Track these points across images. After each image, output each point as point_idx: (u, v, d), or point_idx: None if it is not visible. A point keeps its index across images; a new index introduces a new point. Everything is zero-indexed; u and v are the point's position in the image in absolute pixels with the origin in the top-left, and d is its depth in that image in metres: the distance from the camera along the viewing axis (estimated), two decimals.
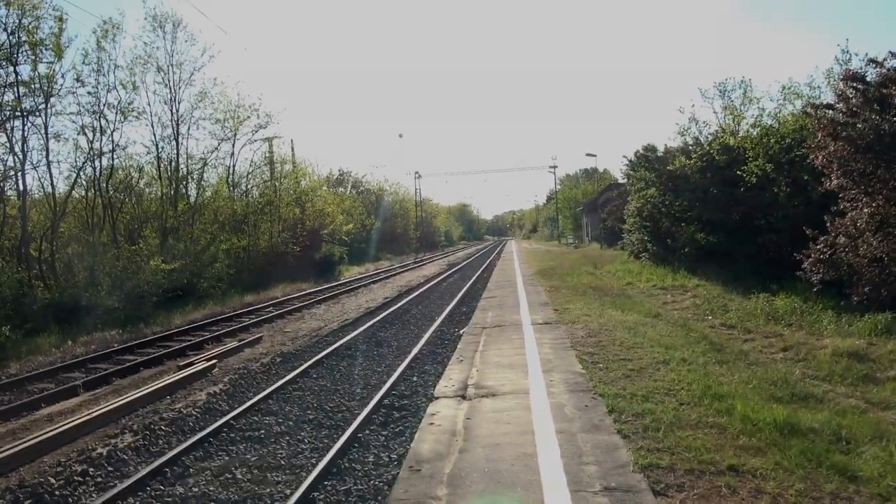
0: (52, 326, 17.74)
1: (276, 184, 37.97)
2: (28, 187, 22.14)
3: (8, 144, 21.22)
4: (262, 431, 7.25)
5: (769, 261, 18.73)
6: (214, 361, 10.81)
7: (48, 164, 22.97)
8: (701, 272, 19.72)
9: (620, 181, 53.92)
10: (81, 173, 24.70)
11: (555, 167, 77.72)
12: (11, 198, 22.38)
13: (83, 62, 22.69)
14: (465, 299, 19.37)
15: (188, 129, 29.80)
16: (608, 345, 9.34)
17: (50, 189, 23.41)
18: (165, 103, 28.54)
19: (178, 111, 28.93)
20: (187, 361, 10.89)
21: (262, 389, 9.02)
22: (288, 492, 5.50)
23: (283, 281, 30.73)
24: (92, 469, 6.26)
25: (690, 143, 24.74)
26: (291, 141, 52.37)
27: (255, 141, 35.69)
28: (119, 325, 18.18)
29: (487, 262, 41.64)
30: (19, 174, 21.79)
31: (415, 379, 9.37)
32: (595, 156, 51.02)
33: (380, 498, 5.19)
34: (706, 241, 21.32)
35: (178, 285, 24.56)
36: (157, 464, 6.13)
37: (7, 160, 21.33)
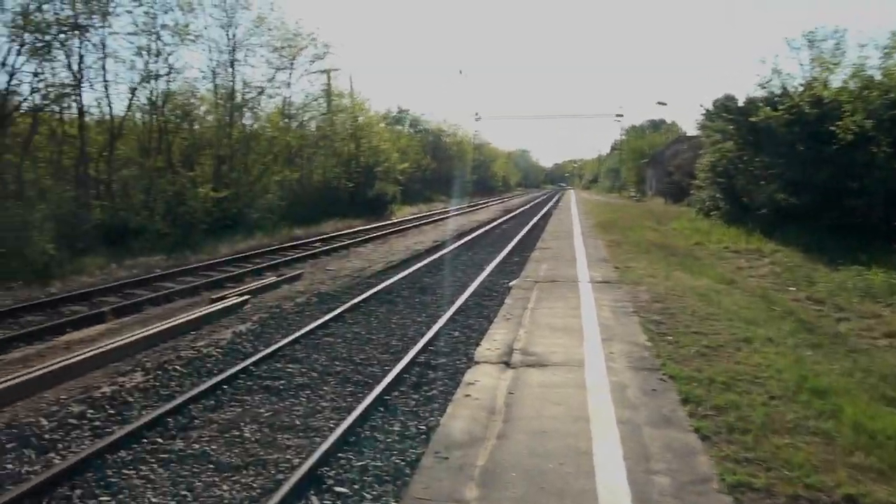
0: (100, 248, 17.69)
1: (333, 117, 37.20)
2: (85, 106, 21.91)
3: (66, 61, 20.96)
4: (283, 381, 6.54)
5: (859, 228, 16.91)
6: (247, 297, 10.21)
7: (105, 84, 22.72)
8: (779, 236, 18.02)
9: (689, 135, 50.93)
10: (137, 95, 24.41)
11: (621, 115, 74.46)
12: (70, 115, 22.32)
13: None
14: (518, 249, 18.31)
15: (245, 55, 29.06)
16: (677, 313, 8.21)
17: (107, 109, 23.27)
18: (222, 27, 27.80)
19: (234, 36, 28.17)
20: (220, 295, 10.33)
21: (291, 333, 8.32)
22: (297, 461, 4.75)
23: (334, 216, 30.28)
24: (91, 411, 5.68)
25: (777, 94, 22.46)
26: (350, 76, 51.32)
27: (312, 73, 34.78)
28: (166, 250, 17.98)
29: (544, 210, 40.20)
30: (77, 92, 21.58)
31: (456, 334, 8.49)
32: (666, 104, 48.18)
33: (399, 483, 4.36)
34: (787, 203, 19.49)
35: (227, 214, 24.37)
36: (159, 411, 5.49)
37: (65, 77, 21.06)
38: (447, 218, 33.09)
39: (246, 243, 20.65)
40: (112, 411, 5.74)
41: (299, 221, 27.45)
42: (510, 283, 11.80)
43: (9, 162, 18.31)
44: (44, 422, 5.37)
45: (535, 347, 6.69)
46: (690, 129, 56.29)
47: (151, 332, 7.84)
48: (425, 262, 15.11)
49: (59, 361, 6.43)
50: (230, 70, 28.40)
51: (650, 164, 56.92)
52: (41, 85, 19.85)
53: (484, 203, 53.49)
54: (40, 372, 6.12)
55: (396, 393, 6.23)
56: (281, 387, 6.40)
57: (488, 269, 13.92)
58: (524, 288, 10.29)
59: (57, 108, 21.51)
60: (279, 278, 12.66)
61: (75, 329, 8.91)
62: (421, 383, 6.52)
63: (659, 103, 51.21)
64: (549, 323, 7.75)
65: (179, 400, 5.80)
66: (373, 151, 39.20)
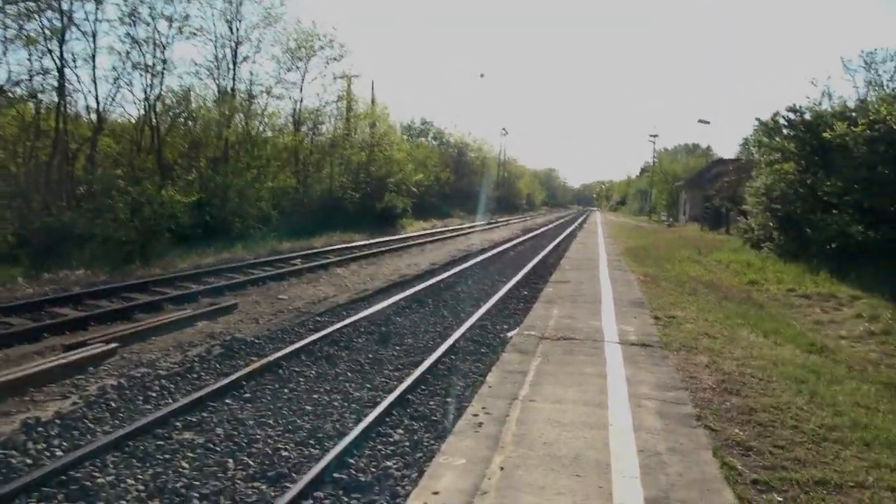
0: (28, 256, 14.89)
1: (351, 124, 34.43)
2: (70, 99, 19.56)
3: (45, 46, 18.53)
4: None
5: None
6: (115, 346, 7.02)
7: (93, 75, 20.23)
8: (854, 278, 14.44)
9: (726, 158, 47.07)
10: (126, 89, 22.18)
11: (655, 135, 70.78)
12: (46, 105, 19.79)
13: None
14: (529, 279, 14.98)
15: (251, 51, 26.46)
16: (771, 424, 4.81)
17: (94, 103, 20.71)
18: (226, 20, 25.16)
19: (238, 30, 25.49)
20: (78, 341, 7.16)
21: (115, 432, 5.04)
22: None
23: (336, 229, 27.29)
24: None
25: (851, 108, 18.94)
26: (372, 82, 48.45)
27: (327, 75, 32.17)
28: (114, 263, 15.02)
29: (567, 231, 36.71)
30: (59, 81, 19.08)
31: (382, 453, 5.13)
32: (708, 122, 44.39)
33: None
34: (864, 237, 15.88)
35: (204, 223, 21.47)
36: None
37: (48, 65, 18.71)
38: (459, 235, 29.85)
39: (216, 257, 17.64)
40: None
41: (295, 233, 24.48)
42: (509, 334, 8.50)
43: None
44: None
45: None
46: (727, 154, 52.43)
47: None
48: (408, 292, 11.87)
49: None
50: (231, 67, 25.80)
51: (685, 187, 53.13)
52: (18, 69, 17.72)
53: (504, 221, 50.12)
54: None
55: None
56: None
57: (485, 307, 10.60)
58: (522, 351, 6.93)
59: (32, 96, 19.13)
60: (202, 310, 9.50)
61: None
62: None
63: (700, 121, 47.46)
64: (550, 441, 4.39)
65: None
66: (386, 161, 36.29)
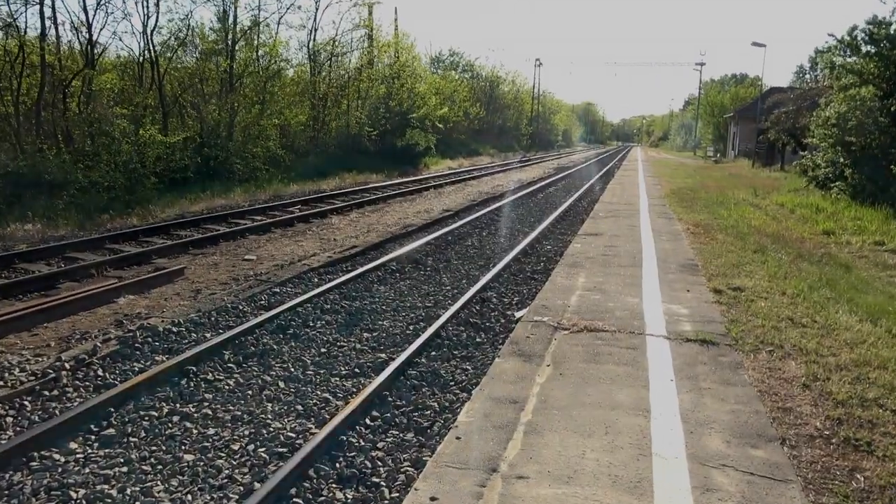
0: None
1: (372, 54, 31.78)
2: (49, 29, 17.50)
3: None
4: None
5: None
6: None
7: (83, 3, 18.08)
8: None
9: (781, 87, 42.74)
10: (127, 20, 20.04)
11: (702, 63, 65.71)
12: (30, 38, 17.78)
13: None
14: (556, 229, 12.70)
15: None
16: None
17: (86, 35, 18.63)
18: None
19: None
20: None
21: None
22: None
23: (354, 169, 25.21)
24: None
25: None
26: (395, 9, 45.27)
27: (343, 2, 29.42)
28: (88, 212, 13.31)
29: (604, 169, 33.85)
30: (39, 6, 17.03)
31: None
32: (764, 45, 39.53)
33: None
34: None
35: (199, 164, 19.56)
36: None
37: None
38: (485, 175, 27.43)
39: (208, 203, 15.78)
40: None
41: (308, 175, 22.49)
42: (516, 315, 6.37)
43: None
44: None
45: None
46: (780, 83, 47.74)
47: None
48: (406, 248, 9.76)
49: None
50: None
51: (735, 120, 49.06)
52: None
53: (538, 158, 47.19)
54: None
55: None
56: None
57: (493, 269, 8.44)
58: (525, 354, 4.76)
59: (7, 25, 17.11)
60: (137, 279, 7.56)
61: None
62: None
63: (755, 44, 42.54)
64: None
65: None
66: (408, 95, 33.58)
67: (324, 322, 6.36)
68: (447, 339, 5.88)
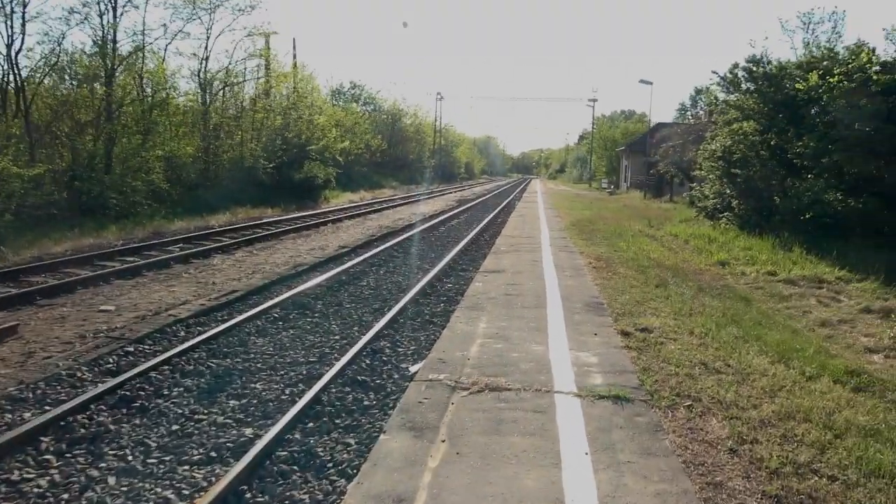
0: None
1: (268, 85, 30.57)
2: None
3: None
4: None
5: None
6: None
7: None
8: (836, 255, 12.20)
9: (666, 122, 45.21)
10: None
11: (594, 100, 68.94)
12: None
13: None
14: (457, 264, 12.13)
15: None
16: None
17: None
18: None
19: None
20: None
21: None
22: None
23: (248, 204, 23.80)
24: None
25: (820, 56, 16.74)
26: (294, 40, 44.02)
27: (236, 30, 28.22)
28: None
29: (506, 201, 34.07)
30: None
31: None
32: (651, 82, 41.79)
33: None
34: (843, 205, 13.72)
35: (69, 199, 17.68)
36: None
37: None
38: (387, 209, 26.73)
39: (75, 243, 14.07)
40: None
41: (197, 210, 20.86)
42: (411, 369, 5.63)
43: None
44: None
45: None
46: (665, 119, 50.62)
47: None
48: (293, 291, 8.79)
49: None
50: (111, 12, 21.42)
51: (626, 153, 51.33)
52: None
53: (441, 191, 47.10)
54: None
55: None
56: None
57: (389, 314, 7.64)
58: (416, 427, 4.00)
59: None
60: None
61: None
62: None
63: (642, 81, 44.81)
64: None
65: None
66: (307, 126, 32.51)
67: (182, 389, 5.33)
68: (329, 405, 5.02)
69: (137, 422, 4.69)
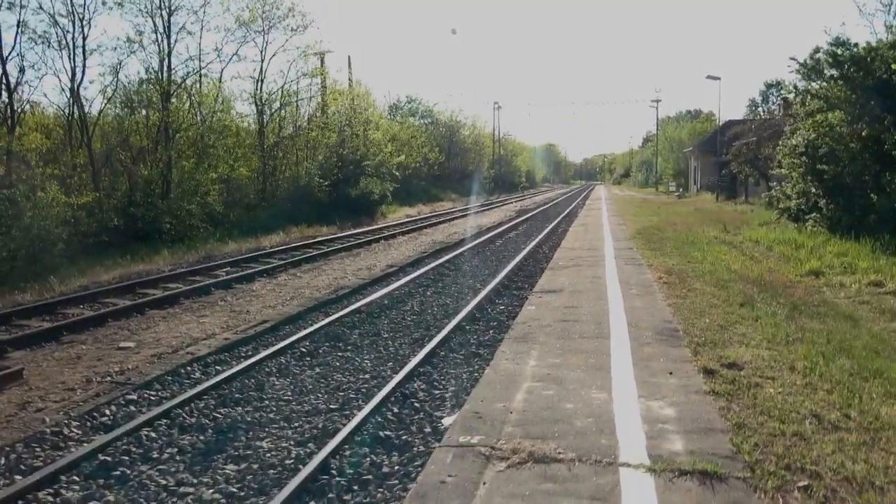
0: None
1: (325, 103, 30.50)
2: None
3: None
4: None
5: None
6: None
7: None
8: None
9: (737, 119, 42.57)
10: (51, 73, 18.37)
11: (658, 100, 66.31)
12: None
13: None
14: (511, 283, 11.08)
15: (188, 21, 22.47)
16: None
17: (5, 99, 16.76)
18: None
19: None
20: None
21: None
22: None
23: (304, 222, 23.49)
24: None
25: None
26: (349, 58, 44.15)
27: (290, 50, 28.21)
28: None
29: (567, 209, 32.70)
30: None
31: None
32: (719, 78, 39.32)
33: None
34: None
35: (105, 227, 17.46)
36: None
37: None
38: (442, 222, 25.90)
39: (125, 270, 13.89)
40: None
41: (254, 231, 20.67)
42: (444, 423, 4.67)
43: None
44: None
45: None
46: (734, 117, 47.79)
47: None
48: (327, 319, 8.00)
49: None
50: (164, 40, 21.60)
51: (695, 154, 48.86)
52: None
53: (501, 201, 46.03)
54: None
55: None
56: None
57: (426, 348, 6.70)
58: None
59: None
60: None
61: None
62: None
63: (710, 77, 42.24)
64: None
65: None
66: (361, 142, 32.25)
67: (175, 451, 4.54)
68: (339, 474, 4.11)
69: (110, 498, 3.91)
